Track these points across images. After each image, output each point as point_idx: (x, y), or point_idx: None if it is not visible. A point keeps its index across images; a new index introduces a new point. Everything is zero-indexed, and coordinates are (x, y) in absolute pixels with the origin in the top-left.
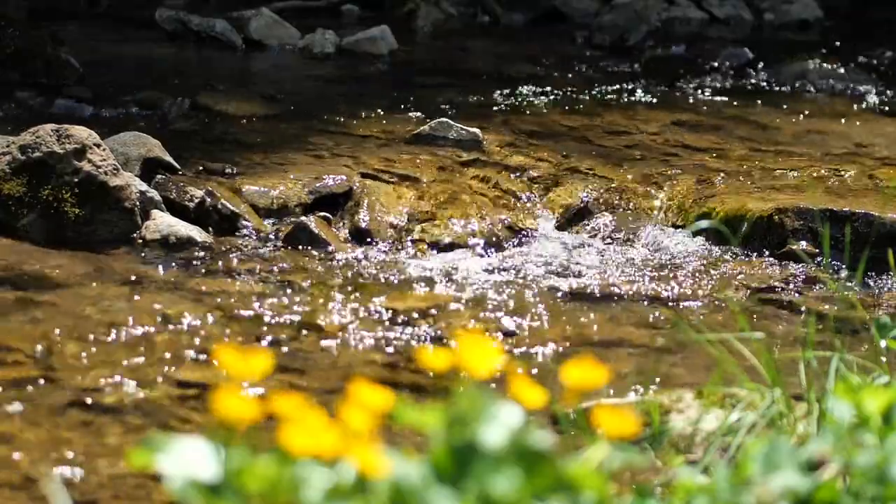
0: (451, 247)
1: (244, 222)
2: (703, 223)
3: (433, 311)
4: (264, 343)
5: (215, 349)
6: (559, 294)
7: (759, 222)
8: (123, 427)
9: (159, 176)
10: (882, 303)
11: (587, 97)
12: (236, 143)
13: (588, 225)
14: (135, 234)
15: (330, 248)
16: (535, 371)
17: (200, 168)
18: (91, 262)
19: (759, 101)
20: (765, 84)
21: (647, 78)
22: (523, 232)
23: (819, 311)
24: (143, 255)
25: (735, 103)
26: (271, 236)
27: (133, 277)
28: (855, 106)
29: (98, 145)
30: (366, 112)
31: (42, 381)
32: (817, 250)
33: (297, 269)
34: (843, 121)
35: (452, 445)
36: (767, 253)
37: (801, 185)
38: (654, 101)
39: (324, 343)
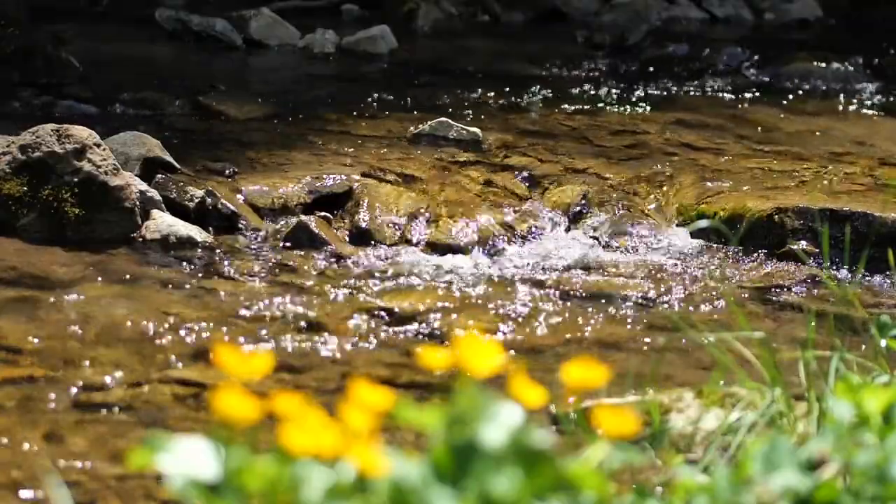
0: (451, 246)
1: (244, 222)
2: (703, 223)
3: (433, 311)
4: (264, 343)
5: (215, 349)
6: (559, 293)
7: (759, 222)
8: (123, 427)
9: (159, 176)
10: (882, 302)
11: (587, 97)
12: (236, 143)
13: (588, 225)
14: (135, 234)
15: (330, 248)
16: (535, 371)
17: (200, 168)
18: (91, 262)
19: (759, 101)
20: (765, 84)
21: (647, 78)
22: (523, 232)
23: (819, 311)
24: (143, 254)
25: (735, 103)
26: (271, 236)
27: (133, 277)
28: (855, 105)
29: (98, 145)
30: (366, 112)
31: (42, 381)
32: (817, 250)
33: (297, 269)
34: (843, 120)
35: (452, 445)
36: (767, 253)
37: (801, 185)
38: (654, 101)
39: (324, 343)
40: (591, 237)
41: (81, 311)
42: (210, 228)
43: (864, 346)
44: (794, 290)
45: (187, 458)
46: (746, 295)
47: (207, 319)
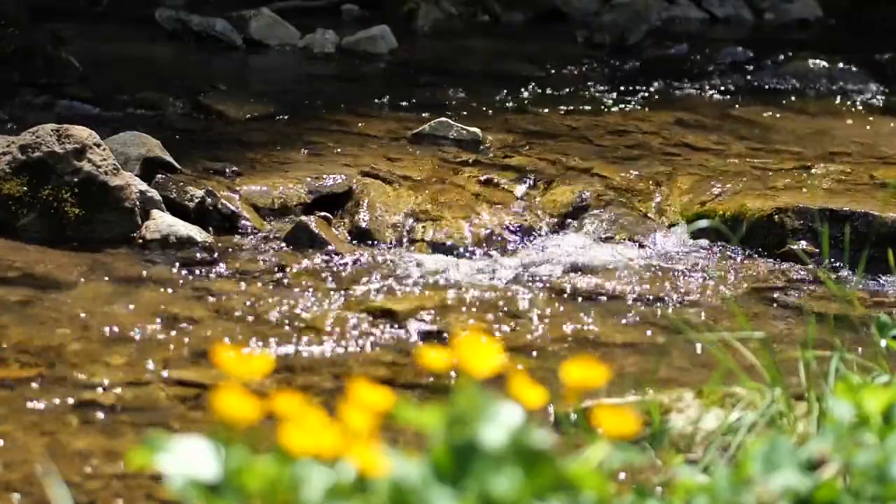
0: (451, 246)
1: (244, 222)
2: (703, 223)
3: (433, 311)
4: (264, 343)
5: (215, 349)
6: (559, 294)
7: (759, 222)
8: (123, 427)
9: (159, 176)
10: (882, 302)
11: (587, 97)
12: (236, 143)
13: (587, 225)
14: (135, 234)
15: (330, 248)
16: (535, 371)
17: (200, 168)
18: (91, 262)
19: (759, 101)
20: (765, 84)
21: (647, 78)
22: (523, 232)
23: (819, 311)
24: (142, 254)
25: (735, 103)
26: (271, 236)
27: (133, 277)
28: (855, 105)
29: (98, 145)
30: (366, 112)
31: (42, 381)
32: (817, 250)
33: (297, 269)
34: (843, 120)
35: (452, 445)
36: (767, 253)
37: (801, 185)
38: (654, 100)
39: (323, 343)
40: (590, 237)
41: (81, 311)
42: (210, 228)
43: (863, 347)
44: (794, 290)
45: (187, 458)
46: (746, 295)
47: (207, 319)
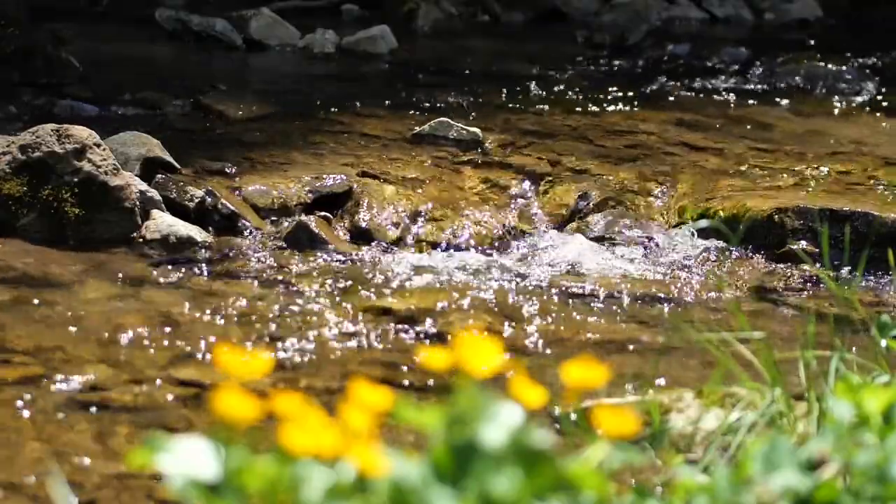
0: (450, 246)
1: (244, 222)
2: (703, 223)
3: (433, 311)
4: (264, 343)
5: (215, 349)
6: (559, 294)
7: (758, 222)
8: (123, 427)
9: (159, 175)
10: (882, 302)
11: (587, 97)
12: (236, 143)
13: (587, 225)
14: (135, 234)
15: (330, 248)
16: (534, 371)
17: (200, 168)
18: (91, 262)
19: (759, 101)
20: (765, 84)
21: (647, 78)
22: (523, 232)
23: (819, 311)
24: (142, 254)
25: (735, 103)
26: (271, 236)
27: (133, 277)
28: (855, 105)
29: (98, 145)
30: (366, 112)
31: (41, 381)
32: (817, 250)
33: (297, 269)
34: (842, 120)
35: (452, 445)
36: (767, 253)
37: (801, 185)
38: (654, 100)
39: (324, 343)
40: (590, 237)
41: (81, 311)
42: (210, 228)
43: (863, 347)
44: (794, 289)
45: (187, 458)
46: (746, 295)
47: (207, 319)
